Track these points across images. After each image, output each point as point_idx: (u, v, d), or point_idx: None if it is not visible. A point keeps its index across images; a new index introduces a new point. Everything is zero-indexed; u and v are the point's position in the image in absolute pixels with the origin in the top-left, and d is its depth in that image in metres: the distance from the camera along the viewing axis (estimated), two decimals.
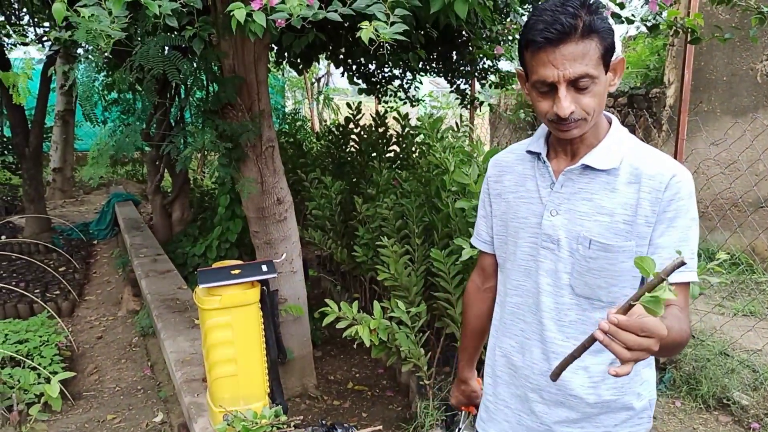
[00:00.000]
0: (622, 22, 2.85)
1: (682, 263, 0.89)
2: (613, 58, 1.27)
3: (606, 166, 1.31)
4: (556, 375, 1.08)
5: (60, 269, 5.90)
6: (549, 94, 1.26)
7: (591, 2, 1.22)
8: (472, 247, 2.30)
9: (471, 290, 1.71)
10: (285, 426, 2.18)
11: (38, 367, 3.54)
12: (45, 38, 6.02)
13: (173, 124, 5.35)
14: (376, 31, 1.50)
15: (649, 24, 2.92)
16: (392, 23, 1.52)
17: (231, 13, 1.60)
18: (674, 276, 1.19)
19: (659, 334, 0.96)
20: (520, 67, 1.35)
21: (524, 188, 1.45)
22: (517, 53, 1.40)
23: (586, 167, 1.33)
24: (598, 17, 1.21)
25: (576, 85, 1.22)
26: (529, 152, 1.45)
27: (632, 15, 2.83)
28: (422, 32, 4.16)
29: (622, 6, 2.78)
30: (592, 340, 1.00)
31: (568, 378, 1.38)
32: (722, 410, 3.54)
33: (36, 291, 5.26)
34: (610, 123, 1.38)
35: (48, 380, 3.43)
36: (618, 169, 1.31)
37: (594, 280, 1.33)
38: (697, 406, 3.59)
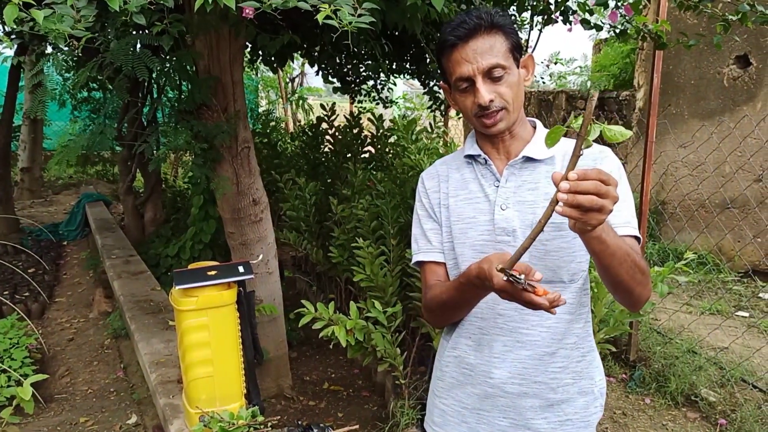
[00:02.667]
0: (592, 28, 2.91)
1: (596, 96, 0.99)
2: (522, 57, 1.41)
3: (544, 156, 1.43)
4: (511, 264, 1.12)
5: (29, 271, 5.80)
6: (469, 90, 1.38)
7: (492, 11, 1.37)
8: None
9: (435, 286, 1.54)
10: (262, 426, 2.19)
11: (9, 369, 3.49)
12: (14, 36, 5.91)
13: (146, 123, 5.30)
14: (340, 20, 1.49)
15: (617, 30, 2.99)
16: (359, 15, 1.52)
17: None
18: (621, 230, 1.32)
19: (612, 181, 1.04)
20: (442, 82, 1.49)
21: (467, 191, 1.50)
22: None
23: (527, 159, 1.44)
24: (500, 16, 1.35)
25: (490, 75, 1.35)
26: (467, 157, 1.52)
27: (601, 21, 2.89)
28: (395, 33, 4.19)
29: (591, 12, 2.83)
30: (552, 206, 1.05)
31: (533, 365, 1.43)
32: (690, 407, 3.62)
33: (5, 293, 5.16)
34: (534, 125, 1.51)
35: (19, 383, 3.37)
36: (554, 158, 1.43)
37: (554, 262, 1.39)
38: (666, 403, 3.67)
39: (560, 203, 1.03)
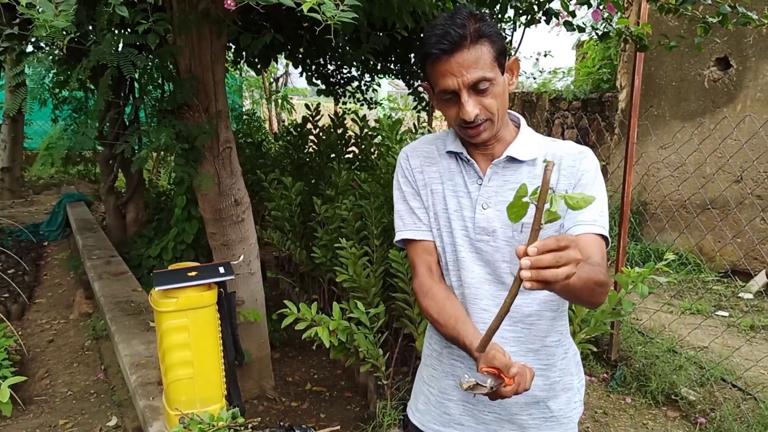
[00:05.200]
0: (574, 30, 2.93)
1: (552, 165, 0.95)
2: (507, 61, 1.38)
3: (527, 157, 1.43)
4: (483, 346, 1.11)
5: (9, 271, 5.73)
6: (453, 101, 1.36)
7: (477, 13, 1.33)
8: None
9: (427, 282, 1.50)
10: (242, 428, 2.17)
11: None
12: None
13: (127, 123, 5.26)
14: (324, 13, 1.48)
15: (599, 32, 3.00)
16: (342, 11, 1.51)
17: None
18: (586, 228, 1.33)
19: (574, 240, 1.00)
20: (425, 82, 1.45)
21: (452, 182, 1.49)
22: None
23: (511, 159, 1.43)
24: (485, 24, 1.31)
25: (476, 88, 1.32)
26: (450, 153, 1.51)
27: (583, 23, 2.91)
28: (380, 33, 4.18)
29: (573, 14, 2.85)
30: (518, 284, 1.00)
31: (518, 361, 1.43)
32: (671, 406, 3.65)
33: None
34: (517, 122, 1.50)
35: None
36: (536, 159, 1.43)
37: None
38: (646, 402, 3.70)
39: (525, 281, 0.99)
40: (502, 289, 1.42)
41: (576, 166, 1.40)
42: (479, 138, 1.39)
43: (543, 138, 1.48)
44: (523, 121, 1.50)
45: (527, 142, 1.44)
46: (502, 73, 1.36)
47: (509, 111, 1.49)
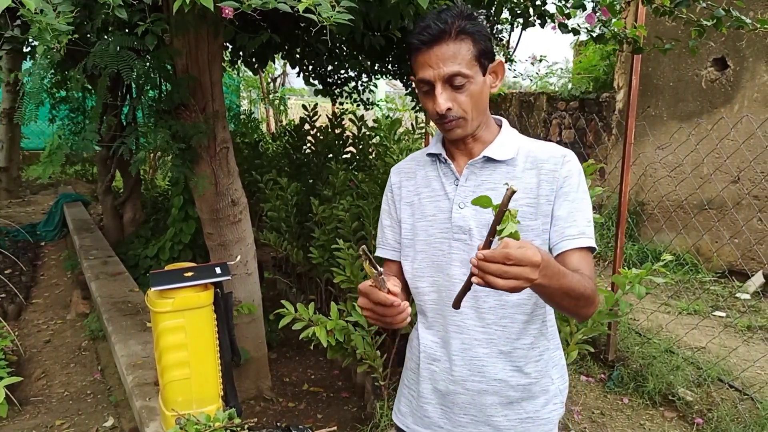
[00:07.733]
0: (569, 32, 2.93)
1: (513, 192, 0.99)
2: (492, 63, 1.40)
3: (505, 157, 1.44)
4: (457, 303, 1.17)
5: (6, 271, 5.72)
6: (431, 93, 1.37)
7: (467, 12, 1.35)
8: None
9: None
10: (239, 429, 2.17)
11: None
12: None
13: (124, 123, 5.25)
14: (320, 14, 1.48)
15: (594, 34, 3.01)
16: (338, 12, 1.51)
17: None
18: (574, 243, 1.34)
19: (530, 261, 1.03)
20: (412, 75, 1.48)
21: (429, 188, 1.52)
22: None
23: (488, 159, 1.44)
24: (470, 23, 1.33)
25: (451, 83, 1.34)
26: (430, 155, 1.54)
27: (578, 25, 2.91)
28: (377, 34, 4.18)
29: (569, 16, 2.85)
30: (470, 275, 1.07)
31: (491, 363, 1.45)
32: (668, 406, 3.66)
33: None
34: (500, 124, 1.52)
35: None
36: (515, 159, 1.44)
37: None
38: (643, 403, 3.70)
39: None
40: (477, 290, 1.42)
41: (557, 170, 1.40)
42: (453, 134, 1.41)
43: (525, 139, 1.49)
44: (505, 122, 1.51)
45: (507, 143, 1.45)
46: (484, 74, 1.38)
47: (493, 116, 1.51)
